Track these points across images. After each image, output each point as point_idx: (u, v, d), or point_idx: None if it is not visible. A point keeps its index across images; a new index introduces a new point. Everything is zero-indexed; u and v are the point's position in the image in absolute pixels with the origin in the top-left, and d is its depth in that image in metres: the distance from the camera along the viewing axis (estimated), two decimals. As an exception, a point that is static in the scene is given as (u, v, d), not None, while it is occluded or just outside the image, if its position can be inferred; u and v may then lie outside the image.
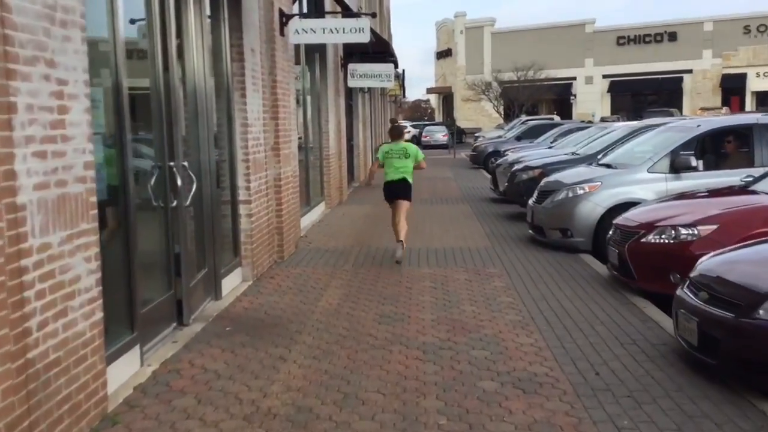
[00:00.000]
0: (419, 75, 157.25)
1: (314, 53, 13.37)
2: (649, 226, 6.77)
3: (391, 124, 9.97)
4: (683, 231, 6.47)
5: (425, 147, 44.79)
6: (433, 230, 11.09)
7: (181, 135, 5.86)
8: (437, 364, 4.91)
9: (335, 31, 8.72)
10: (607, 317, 6.04)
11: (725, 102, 50.03)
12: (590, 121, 24.43)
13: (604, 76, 55.00)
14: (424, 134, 46.42)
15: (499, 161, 15.76)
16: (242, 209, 7.50)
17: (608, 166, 9.73)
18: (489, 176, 21.29)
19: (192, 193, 5.84)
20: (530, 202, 10.10)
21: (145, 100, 5.61)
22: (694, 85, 52.87)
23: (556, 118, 35.58)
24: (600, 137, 13.90)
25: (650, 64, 53.10)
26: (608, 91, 55.24)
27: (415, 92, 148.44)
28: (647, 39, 54.15)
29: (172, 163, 5.63)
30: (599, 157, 11.32)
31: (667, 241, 6.56)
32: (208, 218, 6.54)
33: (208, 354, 5.17)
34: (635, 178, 8.94)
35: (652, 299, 6.61)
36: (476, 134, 38.46)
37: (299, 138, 12.12)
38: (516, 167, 12.83)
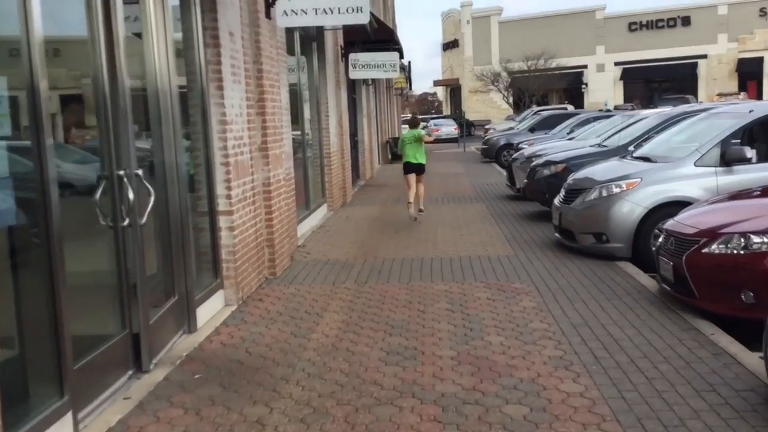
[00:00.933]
0: (425, 68, 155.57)
1: (311, 42, 12.21)
2: (712, 234, 5.58)
3: (412, 116, 14.04)
4: (756, 239, 5.27)
5: (434, 141, 43.62)
6: (447, 235, 9.91)
7: (134, 137, 4.71)
8: (461, 429, 3.75)
9: (330, 12, 7.56)
10: (669, 350, 4.86)
11: (742, 87, 48.56)
12: (609, 110, 23.12)
13: (616, 64, 53.56)
14: (434, 127, 45.12)
15: (515, 155, 14.56)
16: (222, 221, 6.35)
17: (646, 159, 8.52)
18: (504, 172, 20.10)
19: (150, 207, 4.70)
20: (556, 202, 8.91)
21: (86, 95, 4.50)
22: (710, 70, 51.36)
23: (570, 108, 34.30)
24: (627, 126, 12.69)
25: (664, 50, 51.61)
26: (621, 79, 53.80)
27: (421, 86, 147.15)
28: (660, 24, 52.62)
29: (121, 172, 4.49)
30: (632, 149, 10.13)
31: (735, 251, 5.36)
32: (177, 235, 5.40)
33: (166, 418, 4.03)
34: (680, 172, 7.73)
35: (716, 321, 5.44)
36: (486, 126, 37.20)
37: (298, 134, 10.99)
38: (536, 162, 11.63)
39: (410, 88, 42.78)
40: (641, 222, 7.65)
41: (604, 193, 7.97)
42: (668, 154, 8.34)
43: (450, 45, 64.05)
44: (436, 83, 69.58)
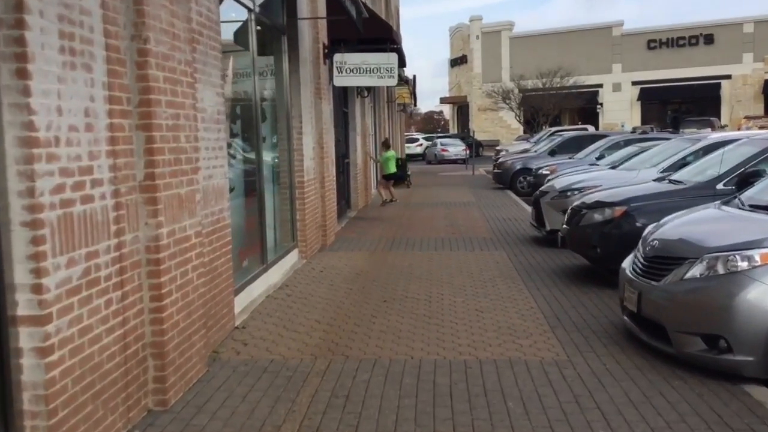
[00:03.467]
0: (432, 88, 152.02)
1: (279, 35, 9.17)
2: None
3: (385, 139, 18.65)
4: None
5: (440, 162, 40.52)
6: (458, 309, 6.78)
7: None
8: None
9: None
10: None
11: (769, 110, 45.59)
12: (646, 131, 20.00)
13: (634, 83, 50.58)
14: (441, 147, 42.02)
15: (543, 188, 11.45)
16: (24, 338, 3.24)
17: (775, 210, 5.39)
18: (521, 202, 17.04)
19: None
20: (628, 271, 5.77)
21: None
22: (734, 91, 48.29)
23: (591, 129, 31.26)
24: (697, 152, 9.66)
25: (684, 69, 48.68)
26: (638, 99, 50.77)
27: (427, 105, 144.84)
28: (681, 42, 49.67)
29: None
30: (722, 187, 7.07)
31: None
32: None
33: None
34: None
35: None
36: (497, 148, 34.11)
37: (251, 160, 7.97)
38: (580, 201, 8.49)
39: (415, 105, 39.59)
40: (790, 321, 4.53)
41: (721, 269, 4.84)
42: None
43: (458, 61, 61.21)
44: (443, 100, 66.73)
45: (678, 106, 49.83)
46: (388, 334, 6.00)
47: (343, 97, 15.22)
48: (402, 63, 16.63)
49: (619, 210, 7.63)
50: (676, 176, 8.36)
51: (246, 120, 7.75)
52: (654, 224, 6.13)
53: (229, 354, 5.52)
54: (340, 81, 11.20)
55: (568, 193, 10.39)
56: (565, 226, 8.61)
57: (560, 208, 10.34)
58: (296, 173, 9.61)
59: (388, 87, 23.43)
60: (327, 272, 8.87)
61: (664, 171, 10.06)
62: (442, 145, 42.34)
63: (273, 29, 8.94)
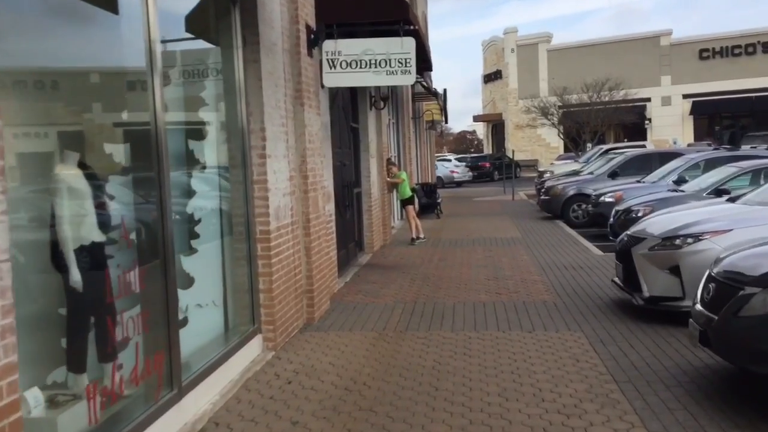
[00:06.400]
0: (464, 108, 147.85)
1: (225, 4, 5.81)
2: None
3: (389, 159, 14.23)
4: None
5: (445, 185, 37.12)
6: None
7: None
8: None
9: None
10: None
11: (838, 123, 41.04)
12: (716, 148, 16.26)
13: (685, 96, 46.37)
14: (451, 169, 40.34)
15: (632, 232, 7.79)
16: None
17: None
18: (593, 248, 13.16)
19: None
20: None
21: None
22: (799, 103, 43.85)
23: (650, 146, 27.45)
24: None
25: (741, 80, 44.37)
26: (690, 114, 46.55)
27: (460, 125, 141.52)
28: (736, 51, 45.41)
29: None
30: None
31: None
32: None
33: None
34: None
35: None
36: (540, 169, 30.40)
37: (151, 198, 4.60)
38: (732, 272, 4.86)
39: (446, 122, 36.08)
40: None
41: None
42: None
43: (492, 76, 57.58)
44: (476, 118, 63.06)
45: (735, 121, 45.50)
46: None
47: (351, 108, 11.86)
48: (427, 65, 13.27)
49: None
50: None
51: (136, 145, 4.38)
52: None
53: None
54: (331, 80, 7.77)
55: (677, 242, 6.84)
56: (700, 308, 5.01)
57: (666, 265, 6.82)
58: (257, 218, 6.20)
59: (413, 99, 20.02)
60: (297, 384, 5.38)
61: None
62: (445, 167, 40.22)
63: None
